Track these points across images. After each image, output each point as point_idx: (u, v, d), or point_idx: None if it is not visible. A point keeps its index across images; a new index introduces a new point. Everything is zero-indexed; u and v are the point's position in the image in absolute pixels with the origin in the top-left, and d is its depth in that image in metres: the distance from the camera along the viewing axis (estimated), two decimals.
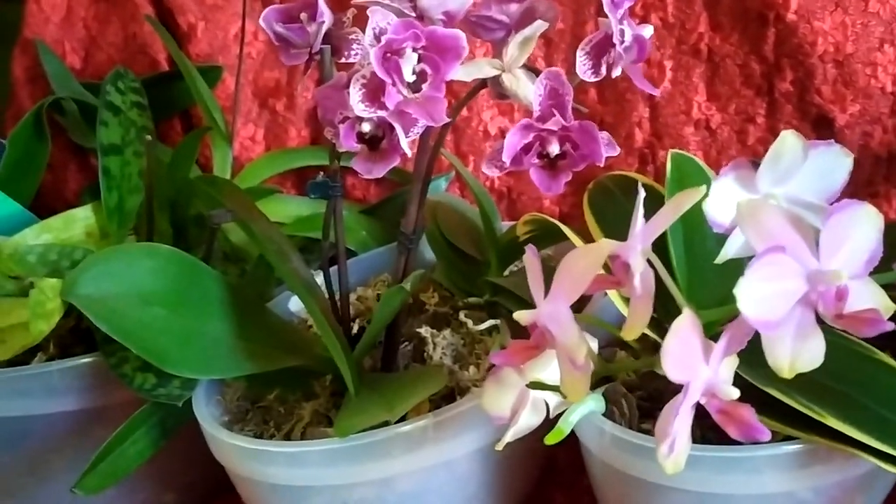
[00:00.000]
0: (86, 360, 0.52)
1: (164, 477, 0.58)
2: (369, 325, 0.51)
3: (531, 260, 0.37)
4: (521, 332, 0.37)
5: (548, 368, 0.38)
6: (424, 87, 0.42)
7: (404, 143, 0.42)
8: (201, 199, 0.65)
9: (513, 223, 0.63)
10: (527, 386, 0.38)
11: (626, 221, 0.36)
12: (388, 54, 0.41)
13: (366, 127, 0.43)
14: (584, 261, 0.35)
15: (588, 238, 0.50)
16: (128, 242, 0.47)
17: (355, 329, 0.59)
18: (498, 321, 0.57)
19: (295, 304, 0.63)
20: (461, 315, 0.58)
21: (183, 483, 0.59)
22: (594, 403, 0.41)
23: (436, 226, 0.65)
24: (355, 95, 0.41)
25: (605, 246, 0.35)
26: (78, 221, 0.61)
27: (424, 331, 0.55)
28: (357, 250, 0.68)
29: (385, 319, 0.50)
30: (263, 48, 0.78)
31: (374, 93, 0.42)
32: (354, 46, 0.48)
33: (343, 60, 0.50)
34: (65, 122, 0.76)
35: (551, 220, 0.55)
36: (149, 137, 0.60)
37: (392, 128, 0.43)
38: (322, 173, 0.51)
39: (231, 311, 0.52)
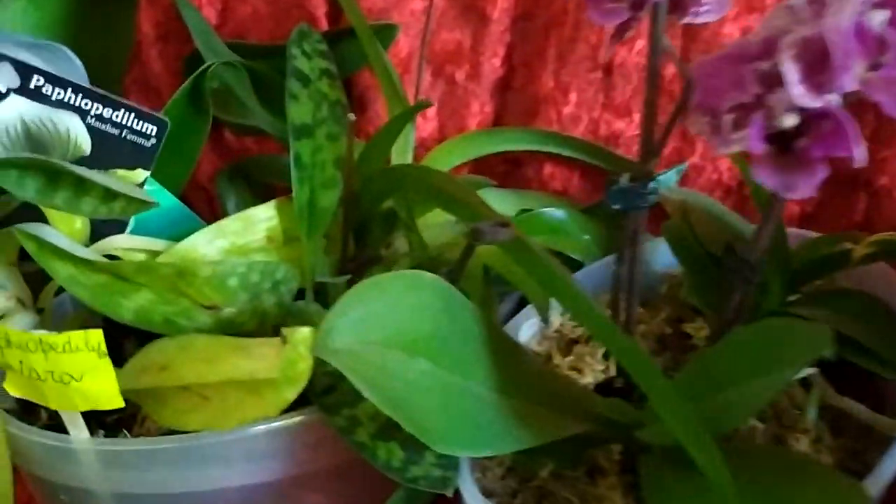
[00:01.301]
0: (299, 418, 0.39)
1: None
2: None
3: None
4: None
5: None
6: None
7: (858, 145, 0.28)
8: (403, 194, 0.51)
9: (814, 235, 0.49)
10: None
11: None
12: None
13: (789, 120, 0.29)
14: None
15: None
16: (382, 274, 0.34)
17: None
18: (814, 370, 0.43)
19: (527, 331, 0.49)
20: None
21: None
22: None
23: (689, 230, 0.52)
24: (791, 72, 0.28)
25: None
26: (259, 223, 0.47)
27: None
28: (581, 259, 0.55)
29: None
30: (442, 3, 0.63)
31: (815, 68, 0.28)
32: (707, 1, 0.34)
33: (686, 20, 0.36)
34: None
35: None
36: (351, 116, 0.46)
37: (825, 121, 0.29)
38: (623, 177, 0.38)
39: (492, 357, 0.39)
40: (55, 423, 0.42)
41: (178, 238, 0.48)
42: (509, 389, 0.39)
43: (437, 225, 0.56)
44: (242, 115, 0.60)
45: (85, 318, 0.47)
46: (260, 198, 0.58)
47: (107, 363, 0.34)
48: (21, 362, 0.34)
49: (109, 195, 0.37)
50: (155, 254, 0.45)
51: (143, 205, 0.37)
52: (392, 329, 0.34)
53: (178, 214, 0.52)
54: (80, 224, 0.45)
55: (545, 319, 0.47)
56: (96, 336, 0.34)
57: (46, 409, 0.40)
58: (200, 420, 0.37)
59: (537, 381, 0.41)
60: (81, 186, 0.38)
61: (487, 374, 0.39)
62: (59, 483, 0.39)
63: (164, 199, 0.49)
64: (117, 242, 0.45)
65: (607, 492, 0.39)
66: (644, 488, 0.39)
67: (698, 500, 0.35)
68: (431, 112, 0.65)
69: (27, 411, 0.42)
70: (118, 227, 0.49)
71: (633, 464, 0.41)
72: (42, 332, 0.34)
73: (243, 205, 0.62)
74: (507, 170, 0.65)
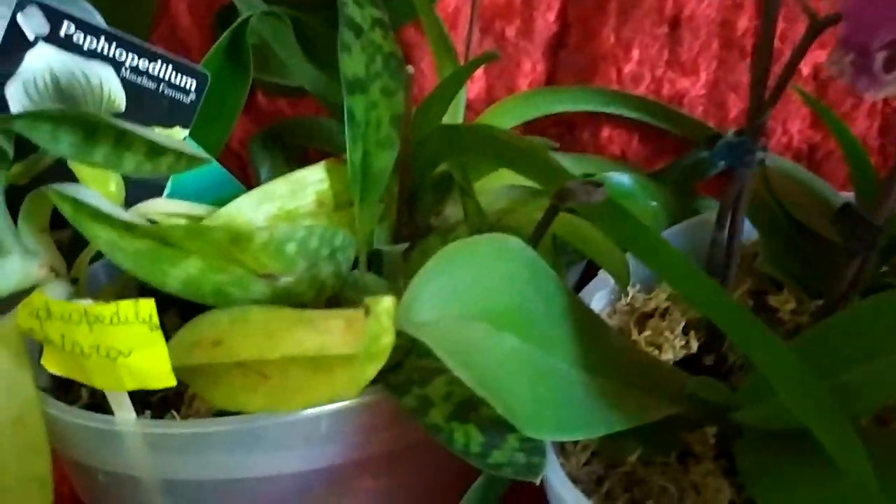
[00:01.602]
0: (367, 398, 0.35)
1: None
2: None
3: None
4: None
5: None
6: None
7: None
8: (458, 157, 0.47)
9: None
10: None
11: None
12: None
13: None
14: None
15: None
16: (466, 239, 0.30)
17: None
18: None
19: (596, 305, 0.45)
20: None
21: None
22: None
23: (770, 196, 0.48)
24: None
25: None
26: (308, 186, 0.43)
27: None
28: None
29: None
30: None
31: None
32: None
33: None
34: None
35: None
36: (410, 68, 0.42)
37: None
38: (733, 132, 0.34)
39: (576, 332, 0.35)
40: (93, 403, 0.39)
41: (218, 204, 0.44)
42: (596, 367, 0.35)
43: (490, 191, 0.52)
44: (280, 73, 0.56)
45: (120, 289, 0.43)
46: (295, 164, 0.54)
47: (159, 337, 0.31)
48: (63, 336, 0.30)
49: (155, 150, 0.33)
50: (197, 219, 0.42)
51: (194, 161, 0.33)
52: (479, 301, 0.30)
53: (217, 178, 0.48)
54: (114, 187, 0.42)
55: (625, 291, 0.43)
56: (148, 307, 0.30)
57: (86, 387, 0.37)
58: (259, 401, 0.33)
59: (623, 359, 0.37)
60: (122, 141, 0.34)
61: (573, 351, 0.35)
62: (101, 468, 0.36)
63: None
64: (156, 207, 0.41)
65: (705, 479, 0.35)
66: (746, 476, 0.35)
67: (821, 492, 0.31)
68: (479, 72, 0.61)
69: (63, 389, 0.38)
70: (154, 191, 0.45)
71: (727, 448, 0.38)
72: (87, 303, 0.30)
73: (277, 171, 0.58)
74: (560, 132, 0.61)
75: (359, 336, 0.31)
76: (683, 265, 0.34)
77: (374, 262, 0.46)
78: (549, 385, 0.33)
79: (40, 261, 0.37)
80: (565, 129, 0.61)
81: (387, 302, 0.28)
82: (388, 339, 0.28)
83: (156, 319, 0.30)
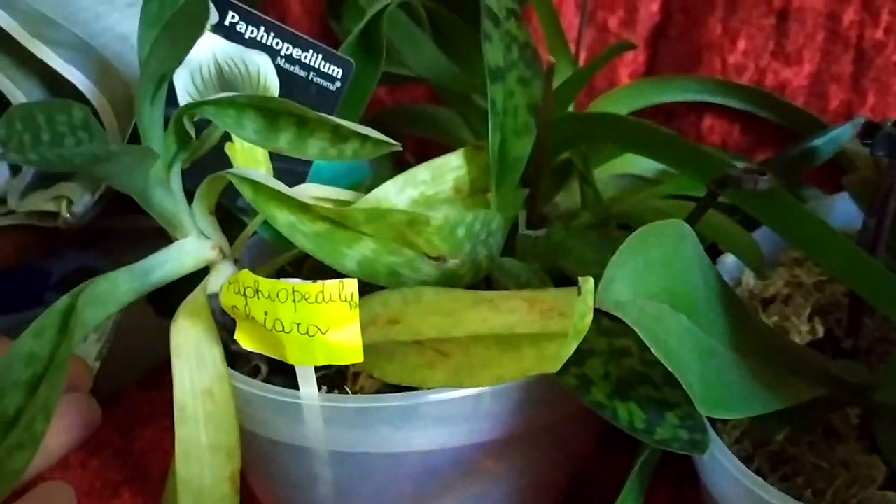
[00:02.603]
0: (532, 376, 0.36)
1: None
2: None
3: None
4: None
5: None
6: None
7: None
8: (579, 146, 0.49)
9: None
10: None
11: None
12: None
13: None
14: None
15: None
16: (656, 223, 0.31)
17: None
18: None
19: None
20: None
21: None
22: None
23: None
24: None
25: None
26: (448, 172, 0.45)
27: None
28: None
29: None
30: None
31: None
32: None
33: None
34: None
35: None
36: (552, 59, 0.43)
37: None
38: (891, 122, 0.35)
39: (729, 315, 0.37)
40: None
41: (351, 188, 0.46)
42: (747, 350, 0.37)
43: (598, 180, 0.54)
44: (392, 62, 0.57)
45: (269, 270, 0.45)
46: (397, 153, 0.56)
47: (356, 315, 0.32)
48: (266, 313, 0.32)
49: (339, 136, 0.35)
50: (344, 203, 0.43)
51: (380, 145, 0.34)
52: (664, 282, 0.32)
53: (351, 164, 0.49)
54: (264, 171, 0.43)
55: (761, 277, 0.45)
56: (351, 286, 0.32)
57: (264, 363, 0.38)
58: (440, 377, 0.34)
59: (768, 342, 0.39)
60: (305, 127, 0.35)
61: (727, 333, 0.36)
62: (277, 439, 0.37)
63: None
64: (308, 191, 0.43)
65: (854, 457, 0.37)
66: (891, 457, 0.37)
67: None
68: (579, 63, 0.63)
69: (230, 364, 0.40)
70: (297, 177, 0.47)
71: (869, 428, 0.39)
72: (295, 281, 0.31)
73: (382, 161, 0.60)
74: (659, 122, 0.62)
75: (545, 315, 0.33)
76: (846, 246, 0.35)
77: (506, 247, 0.47)
78: (712, 365, 0.35)
79: (212, 243, 0.39)
80: (664, 119, 0.62)
81: (591, 283, 0.29)
82: (590, 318, 0.30)
83: (356, 298, 0.32)
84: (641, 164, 0.56)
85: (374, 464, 0.39)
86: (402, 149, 0.35)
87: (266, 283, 0.32)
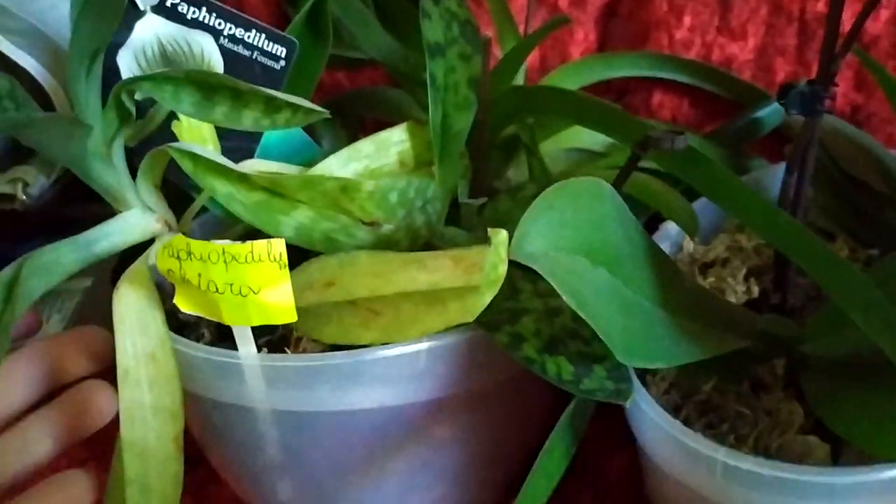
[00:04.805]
0: (467, 335, 0.38)
1: None
2: None
3: None
4: None
5: None
6: None
7: None
8: (525, 120, 0.50)
9: None
10: None
11: None
12: None
13: None
14: None
15: None
16: (569, 180, 0.33)
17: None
18: None
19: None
20: None
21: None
22: None
23: (824, 151, 0.50)
24: None
25: None
26: (392, 146, 0.46)
27: None
28: None
29: None
30: None
31: None
32: None
33: None
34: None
35: None
36: (488, 34, 0.45)
37: None
38: (805, 81, 0.37)
39: (655, 273, 0.38)
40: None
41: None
42: (672, 306, 0.38)
43: (549, 154, 0.55)
44: (349, 46, 0.59)
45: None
46: (353, 136, 0.57)
47: (286, 275, 0.34)
48: (199, 275, 0.34)
49: (272, 106, 0.36)
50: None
51: (311, 114, 0.36)
52: (579, 236, 0.33)
53: (299, 142, 0.51)
54: (211, 148, 0.45)
55: (693, 240, 0.46)
56: (279, 245, 0.33)
57: (207, 328, 0.40)
58: (372, 335, 0.36)
59: (696, 299, 0.40)
60: (240, 99, 0.36)
61: (652, 290, 0.38)
62: (219, 400, 0.39)
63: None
64: (252, 166, 0.44)
65: (777, 404, 0.38)
66: (814, 401, 0.38)
67: (889, 408, 0.34)
68: None
69: (179, 332, 0.41)
70: (245, 154, 0.48)
71: (795, 379, 0.41)
72: (225, 242, 0.33)
73: (338, 143, 0.61)
74: (612, 99, 0.64)
75: (468, 270, 0.34)
76: (763, 205, 0.36)
77: (451, 217, 0.49)
78: (635, 318, 0.36)
79: (156, 215, 0.40)
80: (616, 96, 0.64)
81: (503, 235, 0.31)
82: (503, 269, 0.31)
83: (285, 258, 0.33)
84: (590, 139, 0.57)
85: (319, 423, 0.40)
86: (329, 116, 0.36)
87: (198, 246, 0.33)
